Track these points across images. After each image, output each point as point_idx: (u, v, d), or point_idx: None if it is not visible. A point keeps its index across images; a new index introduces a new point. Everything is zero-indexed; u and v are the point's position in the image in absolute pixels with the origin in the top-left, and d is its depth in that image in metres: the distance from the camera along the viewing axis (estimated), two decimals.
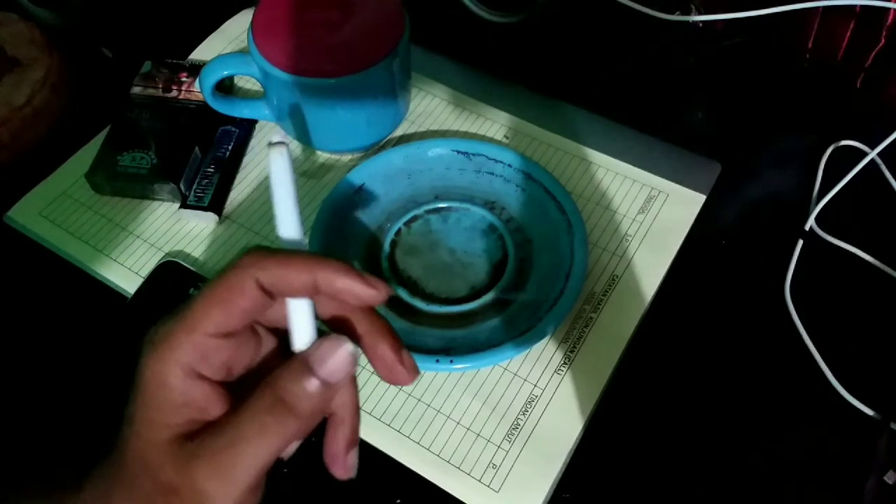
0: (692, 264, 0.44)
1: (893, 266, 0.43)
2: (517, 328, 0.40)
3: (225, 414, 0.24)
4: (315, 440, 0.39)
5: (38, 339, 0.42)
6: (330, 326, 0.26)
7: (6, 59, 0.50)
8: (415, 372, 0.26)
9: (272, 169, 0.25)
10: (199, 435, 0.24)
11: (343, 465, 0.27)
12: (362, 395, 0.39)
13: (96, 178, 0.46)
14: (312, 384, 0.24)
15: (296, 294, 0.24)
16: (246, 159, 0.49)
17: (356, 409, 0.27)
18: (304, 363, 0.24)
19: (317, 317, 0.26)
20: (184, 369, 0.23)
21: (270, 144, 0.25)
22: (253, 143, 0.50)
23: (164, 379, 0.23)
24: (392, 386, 0.39)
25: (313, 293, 0.24)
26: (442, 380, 0.40)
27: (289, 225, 0.25)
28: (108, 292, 0.44)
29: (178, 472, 0.23)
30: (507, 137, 0.50)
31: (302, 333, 0.25)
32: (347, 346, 0.25)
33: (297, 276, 0.24)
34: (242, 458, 0.23)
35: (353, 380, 0.27)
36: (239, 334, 0.25)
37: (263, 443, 0.23)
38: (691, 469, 0.37)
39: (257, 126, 0.51)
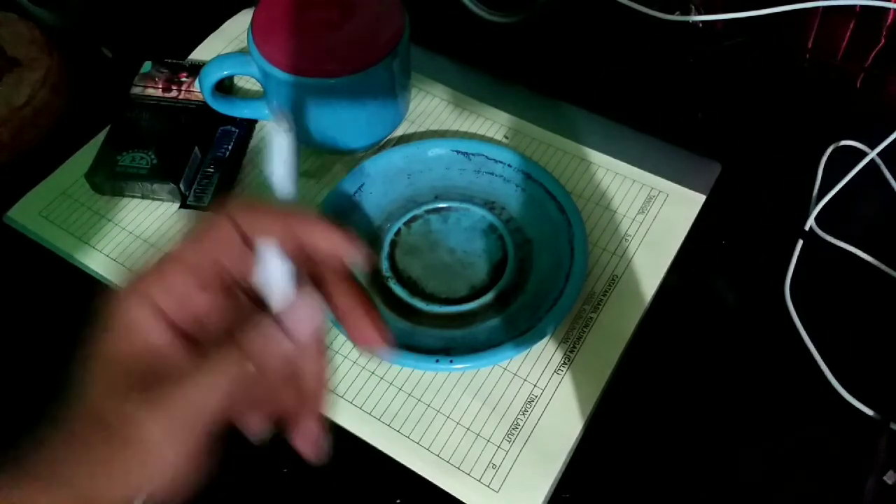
0: (692, 264, 0.44)
1: (893, 266, 0.43)
2: (517, 328, 0.40)
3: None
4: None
5: (38, 338, 0.42)
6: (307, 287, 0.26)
7: (6, 59, 0.51)
8: (388, 335, 0.25)
9: (275, 147, 0.25)
10: (154, 378, 0.23)
11: (314, 446, 0.27)
12: (362, 395, 0.39)
13: (96, 178, 0.46)
14: (267, 323, 0.23)
15: (272, 242, 0.24)
16: (246, 159, 0.49)
17: (325, 383, 0.26)
18: (268, 315, 0.24)
19: (294, 279, 0.25)
20: (152, 306, 0.23)
21: (275, 128, 0.25)
22: (253, 143, 0.50)
23: (131, 319, 0.23)
24: (392, 385, 0.39)
25: (292, 244, 0.24)
26: (442, 380, 0.40)
27: (283, 183, 0.25)
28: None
29: (121, 412, 0.22)
30: (506, 137, 0.50)
31: (279, 290, 0.24)
32: (318, 304, 0.24)
33: (276, 224, 0.23)
34: (185, 394, 0.22)
35: (325, 355, 0.26)
36: (214, 290, 0.24)
37: (210, 380, 0.22)
38: (691, 469, 0.37)
39: (257, 126, 0.51)
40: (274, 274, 0.24)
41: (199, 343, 0.24)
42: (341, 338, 0.41)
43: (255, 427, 0.27)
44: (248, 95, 0.53)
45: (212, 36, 0.56)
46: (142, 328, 0.23)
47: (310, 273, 0.25)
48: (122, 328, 0.23)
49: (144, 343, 0.23)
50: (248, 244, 0.24)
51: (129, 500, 0.23)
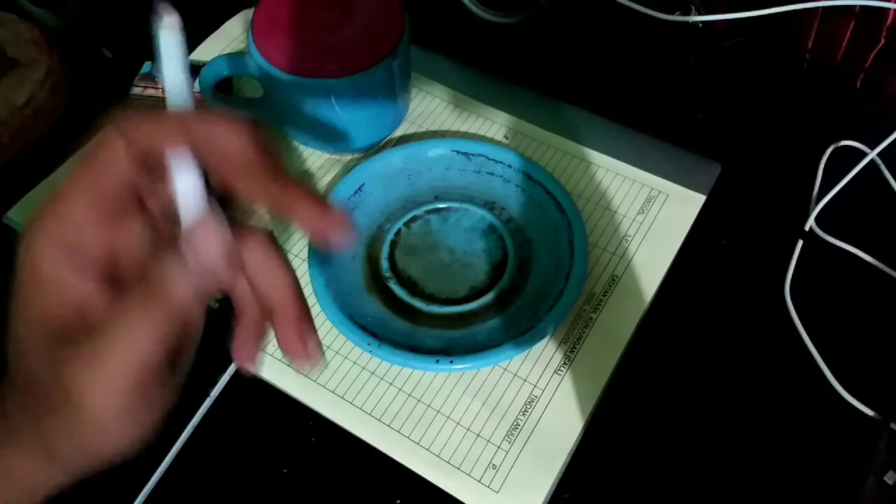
0: (692, 264, 0.44)
1: (893, 266, 0.43)
2: (517, 328, 0.40)
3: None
4: (314, 440, 0.39)
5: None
6: (232, 200, 0.23)
7: (6, 59, 0.51)
8: (346, 221, 0.22)
9: (163, 47, 0.23)
10: (76, 332, 0.21)
11: (306, 358, 0.24)
12: (362, 395, 0.39)
13: None
14: (177, 265, 0.21)
15: (170, 151, 0.21)
16: None
17: (296, 295, 0.23)
18: (174, 249, 0.21)
19: (213, 189, 0.22)
20: (56, 248, 0.21)
21: (161, 25, 0.23)
22: None
23: (36, 268, 0.21)
24: (392, 385, 0.39)
25: (190, 153, 0.21)
26: (442, 380, 0.40)
27: (179, 93, 0.22)
28: None
29: (50, 370, 0.21)
30: (506, 138, 0.50)
31: (189, 208, 0.22)
32: (220, 226, 0.21)
33: (166, 127, 0.21)
34: (109, 350, 0.20)
35: (285, 264, 0.23)
36: (121, 218, 0.22)
37: (133, 335, 0.20)
38: (691, 469, 0.37)
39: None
40: (181, 189, 0.22)
41: (120, 278, 0.23)
42: (341, 339, 0.41)
43: (241, 355, 0.24)
44: (248, 95, 0.53)
45: (212, 36, 0.56)
46: (54, 281, 0.21)
47: (224, 179, 0.22)
48: (34, 285, 0.21)
49: (60, 297, 0.21)
50: (147, 159, 0.21)
51: (87, 459, 0.22)
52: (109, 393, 0.20)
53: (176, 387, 0.23)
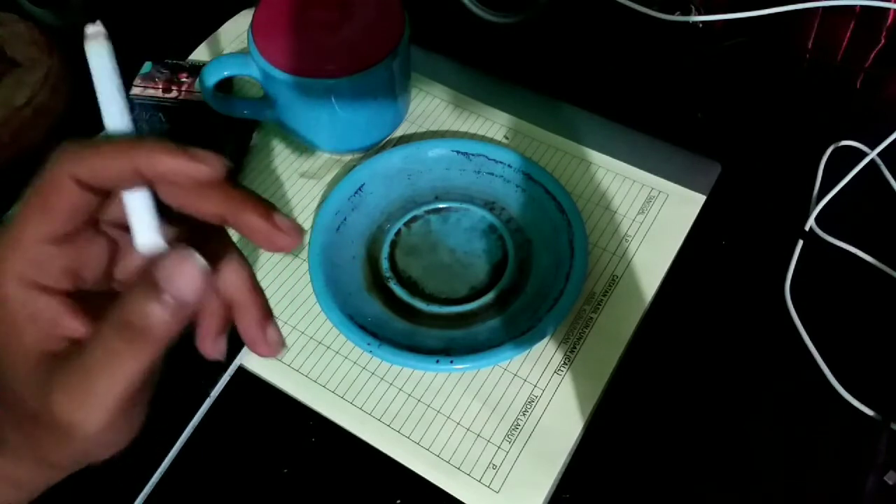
0: (692, 264, 0.44)
1: (893, 266, 0.43)
2: (517, 328, 0.40)
3: (86, 328, 0.22)
4: (314, 440, 0.39)
5: None
6: (190, 214, 0.23)
7: (6, 59, 0.51)
8: (296, 231, 0.23)
9: (93, 62, 0.23)
10: (62, 356, 0.22)
11: (265, 345, 0.25)
12: (362, 395, 0.39)
13: None
14: (162, 305, 0.21)
15: (119, 185, 0.22)
16: (246, 159, 0.49)
17: (254, 289, 0.25)
18: (150, 282, 0.21)
19: (167, 209, 0.23)
20: (19, 281, 0.22)
21: (87, 36, 0.23)
22: (253, 142, 0.50)
23: (5, 300, 0.22)
24: (392, 385, 0.39)
25: (136, 178, 0.22)
26: (442, 380, 0.40)
27: (115, 115, 0.22)
28: None
29: (38, 398, 0.21)
30: (506, 138, 0.50)
31: (142, 229, 0.22)
32: (196, 260, 0.22)
33: (112, 163, 0.21)
34: (97, 384, 0.21)
35: (241, 259, 0.25)
36: (76, 237, 0.23)
37: (119, 368, 0.21)
38: (691, 469, 0.37)
39: (257, 126, 0.51)
40: (136, 214, 0.22)
41: (85, 288, 0.24)
42: (341, 339, 0.41)
43: (208, 349, 0.25)
44: (248, 95, 0.53)
45: (212, 36, 0.56)
46: (25, 309, 0.22)
47: (179, 198, 0.23)
48: (7, 320, 0.22)
49: (34, 324, 0.22)
50: (94, 183, 0.22)
51: (77, 462, 0.23)
52: (97, 419, 0.21)
53: (150, 398, 0.24)
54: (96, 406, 0.21)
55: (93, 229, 0.24)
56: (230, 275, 0.24)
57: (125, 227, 0.23)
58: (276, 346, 0.25)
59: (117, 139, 0.22)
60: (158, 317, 0.21)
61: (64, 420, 0.21)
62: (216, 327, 0.25)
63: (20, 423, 0.22)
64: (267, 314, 0.25)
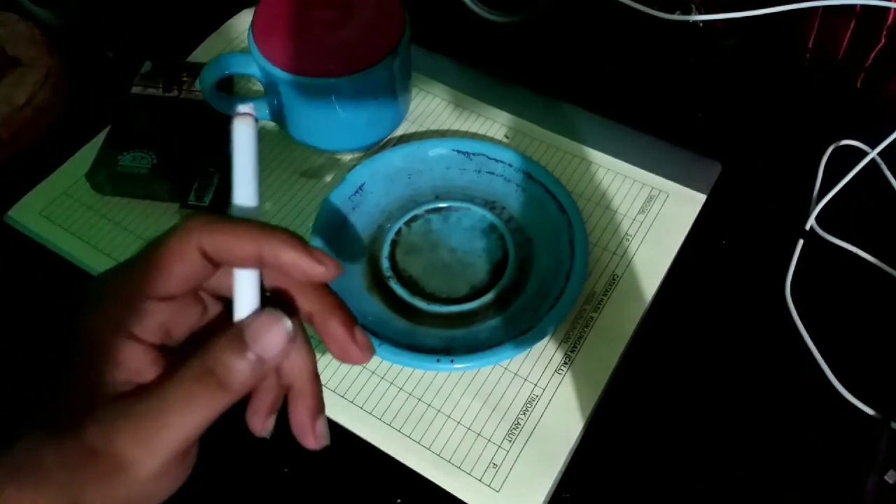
0: (693, 264, 0.44)
1: (893, 266, 0.43)
2: (517, 328, 0.40)
3: (159, 378, 0.24)
4: None
5: (38, 338, 0.42)
6: (278, 301, 0.25)
7: (6, 58, 0.51)
8: (369, 350, 0.25)
9: (236, 138, 0.24)
10: (129, 397, 0.23)
11: (312, 435, 0.26)
12: (363, 394, 0.39)
13: (97, 177, 0.46)
14: (244, 359, 0.23)
15: (239, 264, 0.24)
16: None
17: (314, 377, 0.26)
18: (237, 336, 0.23)
19: (265, 289, 0.25)
20: (117, 328, 0.23)
21: (237, 115, 0.24)
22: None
23: (96, 336, 0.23)
24: (392, 384, 0.39)
25: (258, 264, 0.23)
26: (442, 380, 0.40)
27: (245, 192, 0.24)
28: None
29: (100, 434, 0.22)
30: (507, 137, 0.50)
31: (244, 304, 0.24)
32: (285, 323, 0.24)
33: (241, 245, 0.23)
34: (166, 426, 0.22)
35: (309, 347, 0.26)
36: (179, 298, 0.24)
37: (189, 413, 0.22)
38: (691, 469, 0.37)
39: (258, 126, 0.51)
40: (243, 289, 0.24)
41: (170, 353, 0.25)
42: None
43: (258, 426, 0.27)
44: (248, 95, 0.53)
45: (212, 36, 0.56)
46: (111, 352, 0.23)
47: (281, 284, 0.25)
48: (91, 354, 0.23)
49: (115, 366, 0.23)
50: (211, 261, 0.23)
51: None
52: (156, 460, 0.22)
53: (193, 462, 0.25)
54: (158, 447, 0.22)
55: (193, 294, 0.25)
56: (295, 359, 0.25)
57: (219, 296, 0.26)
58: (321, 440, 0.26)
59: (249, 222, 0.23)
60: (240, 370, 0.23)
61: (124, 456, 0.22)
62: (269, 405, 0.26)
63: (71, 458, 0.22)
64: (321, 406, 0.26)
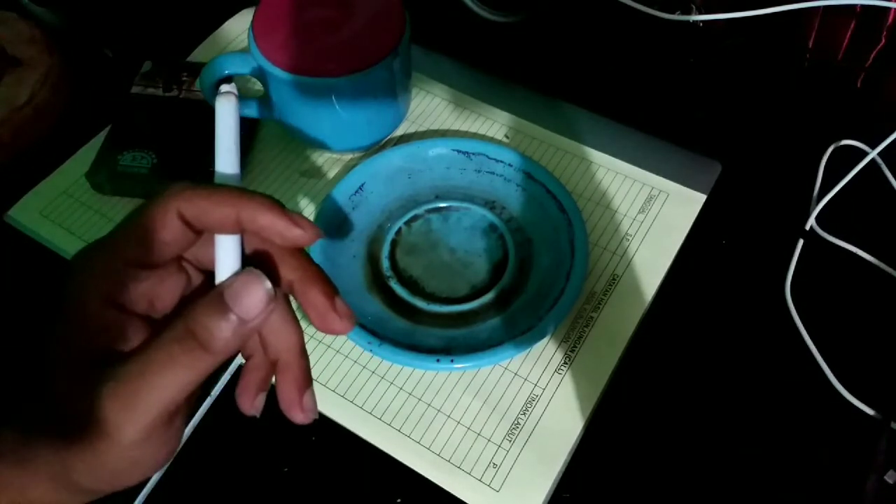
0: (692, 264, 0.44)
1: (893, 266, 0.43)
2: (517, 328, 0.40)
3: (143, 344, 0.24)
4: (315, 439, 0.39)
5: (38, 339, 0.42)
6: (261, 268, 0.25)
7: (6, 58, 0.51)
8: (350, 319, 0.25)
9: (219, 113, 0.25)
10: (114, 364, 0.23)
11: (300, 409, 0.26)
12: (363, 394, 0.39)
13: (97, 177, 0.46)
14: (226, 320, 0.23)
15: (218, 229, 0.24)
16: (247, 159, 0.49)
17: (301, 352, 0.26)
18: (218, 298, 0.23)
19: (246, 255, 0.25)
20: (102, 296, 0.23)
21: (219, 93, 0.25)
22: (253, 142, 0.50)
23: (81, 303, 0.23)
24: (392, 384, 0.39)
25: (237, 229, 0.24)
26: (442, 379, 0.40)
27: (226, 160, 0.25)
28: None
29: (85, 400, 0.22)
30: (507, 137, 0.50)
31: (225, 268, 0.24)
32: (265, 283, 0.23)
33: (219, 209, 0.23)
34: (149, 388, 0.22)
35: (295, 321, 0.26)
36: (162, 268, 0.24)
37: (171, 375, 0.22)
38: (691, 469, 0.37)
39: (258, 126, 0.51)
40: (224, 254, 0.24)
41: (154, 314, 0.25)
42: (342, 338, 0.41)
43: (247, 404, 0.27)
44: (248, 95, 0.53)
45: (212, 36, 0.56)
46: (97, 319, 0.23)
47: (258, 249, 0.25)
48: (77, 321, 0.23)
49: (102, 331, 0.23)
50: (192, 228, 0.24)
51: (102, 485, 0.24)
52: (141, 428, 0.22)
53: (188, 419, 0.26)
54: (141, 410, 0.22)
55: (176, 264, 0.25)
56: (281, 333, 0.25)
57: (202, 269, 0.26)
58: (309, 413, 0.26)
59: (227, 188, 0.24)
60: (221, 331, 0.22)
61: (107, 420, 0.22)
62: (258, 382, 0.26)
63: (57, 432, 0.23)
64: (308, 380, 0.26)
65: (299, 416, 0.26)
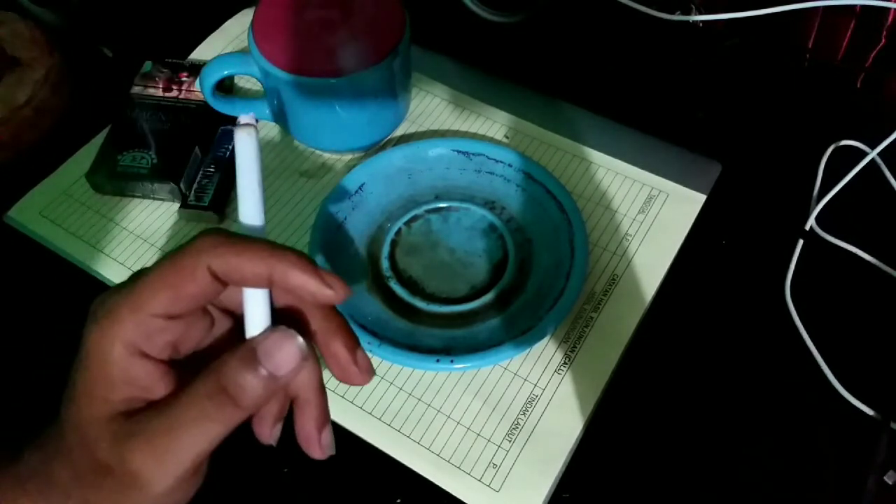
0: (692, 264, 0.44)
1: (893, 266, 0.43)
2: (517, 328, 0.40)
3: (170, 394, 0.24)
4: None
5: (38, 338, 0.42)
6: (285, 317, 0.26)
7: (6, 58, 0.50)
8: (369, 373, 0.26)
9: (238, 150, 0.24)
10: (140, 413, 0.23)
11: (318, 446, 0.27)
12: (363, 395, 0.39)
13: (97, 177, 0.46)
14: (257, 377, 0.23)
15: (249, 285, 0.24)
16: None
17: (320, 389, 0.27)
18: (250, 354, 0.23)
19: (273, 307, 0.25)
20: (126, 347, 0.23)
21: (238, 125, 0.24)
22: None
23: (105, 354, 0.23)
24: (392, 384, 0.39)
25: (268, 285, 0.24)
26: (442, 380, 0.40)
27: (251, 210, 0.25)
28: None
29: (113, 451, 0.22)
30: (507, 137, 0.50)
31: (255, 322, 0.24)
32: (297, 341, 0.24)
33: (251, 266, 0.23)
34: (179, 443, 0.22)
35: (315, 360, 0.26)
36: (187, 316, 0.24)
37: (202, 430, 0.23)
38: (691, 469, 0.37)
39: (258, 126, 0.51)
40: (254, 308, 0.24)
41: (178, 360, 0.25)
42: None
43: (264, 434, 0.27)
44: (248, 95, 0.53)
45: (212, 36, 0.56)
46: (121, 368, 0.23)
47: (288, 303, 0.26)
48: (101, 370, 0.23)
49: (126, 381, 0.23)
50: (221, 281, 0.24)
51: None
52: (170, 476, 0.22)
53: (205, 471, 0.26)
54: (173, 463, 0.22)
55: (202, 311, 0.26)
56: (303, 371, 0.26)
57: (226, 310, 0.26)
58: (327, 450, 0.27)
59: (259, 243, 0.24)
60: (252, 387, 0.23)
61: (139, 473, 0.22)
62: (275, 414, 0.27)
63: (82, 474, 0.23)
64: (326, 418, 0.27)
65: (317, 453, 0.27)
